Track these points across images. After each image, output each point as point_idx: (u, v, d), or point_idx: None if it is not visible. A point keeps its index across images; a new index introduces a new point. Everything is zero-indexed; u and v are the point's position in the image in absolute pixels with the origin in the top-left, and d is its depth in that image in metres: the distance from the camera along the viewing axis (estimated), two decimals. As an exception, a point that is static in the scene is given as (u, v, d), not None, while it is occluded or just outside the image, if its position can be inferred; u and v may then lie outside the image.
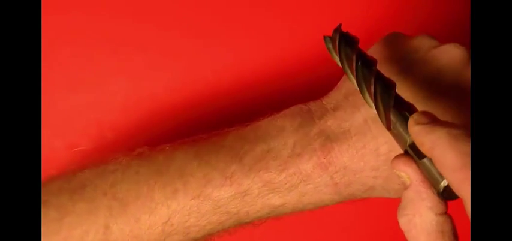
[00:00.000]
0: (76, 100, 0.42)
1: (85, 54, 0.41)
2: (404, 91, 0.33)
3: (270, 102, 0.40)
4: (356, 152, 0.33)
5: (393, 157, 0.30)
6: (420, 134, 0.27)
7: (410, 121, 0.28)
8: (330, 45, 0.33)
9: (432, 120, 0.27)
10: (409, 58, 0.35)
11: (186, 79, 0.42)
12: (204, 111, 0.43)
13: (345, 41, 0.32)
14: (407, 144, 0.29)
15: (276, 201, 0.35)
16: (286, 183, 0.34)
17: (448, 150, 0.26)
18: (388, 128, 0.30)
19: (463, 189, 0.25)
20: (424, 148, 0.27)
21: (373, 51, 0.36)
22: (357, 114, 0.34)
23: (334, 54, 0.33)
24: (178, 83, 0.42)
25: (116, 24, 0.41)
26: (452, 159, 0.25)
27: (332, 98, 0.36)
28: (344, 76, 0.37)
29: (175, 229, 0.35)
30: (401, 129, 0.29)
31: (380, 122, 0.31)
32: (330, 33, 0.33)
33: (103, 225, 0.35)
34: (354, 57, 0.31)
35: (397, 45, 0.36)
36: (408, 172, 0.29)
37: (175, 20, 0.42)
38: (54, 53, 0.41)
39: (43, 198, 0.36)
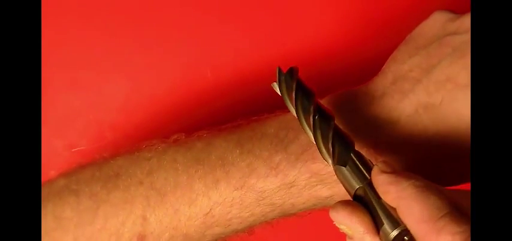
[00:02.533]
0: (76, 100, 0.42)
1: (85, 54, 0.41)
2: (458, 69, 0.31)
3: (270, 100, 0.40)
4: (406, 143, 0.32)
5: (335, 202, 0.29)
6: (384, 183, 0.27)
7: (375, 169, 0.28)
8: (276, 85, 0.32)
9: (395, 170, 0.27)
10: (460, 39, 0.33)
11: (186, 78, 0.42)
12: (204, 110, 0.43)
13: (285, 75, 0.32)
14: (354, 191, 0.29)
15: (323, 192, 0.33)
16: (334, 174, 0.33)
17: (415, 202, 0.26)
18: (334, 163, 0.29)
19: (428, 240, 0.25)
20: (388, 198, 0.27)
21: (420, 30, 0.35)
22: (405, 101, 0.32)
23: (277, 87, 0.32)
24: (177, 82, 0.42)
25: (116, 24, 0.41)
26: (419, 211, 0.25)
27: (378, 84, 0.34)
28: (389, 59, 0.35)
29: (217, 221, 0.34)
30: (354, 173, 0.29)
31: (432, 111, 0.30)
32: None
33: (141, 216, 0.33)
34: (294, 87, 0.31)
35: (445, 25, 0.34)
36: (349, 223, 0.28)
37: (175, 20, 0.42)
38: (54, 53, 0.41)
39: (72, 187, 0.34)
